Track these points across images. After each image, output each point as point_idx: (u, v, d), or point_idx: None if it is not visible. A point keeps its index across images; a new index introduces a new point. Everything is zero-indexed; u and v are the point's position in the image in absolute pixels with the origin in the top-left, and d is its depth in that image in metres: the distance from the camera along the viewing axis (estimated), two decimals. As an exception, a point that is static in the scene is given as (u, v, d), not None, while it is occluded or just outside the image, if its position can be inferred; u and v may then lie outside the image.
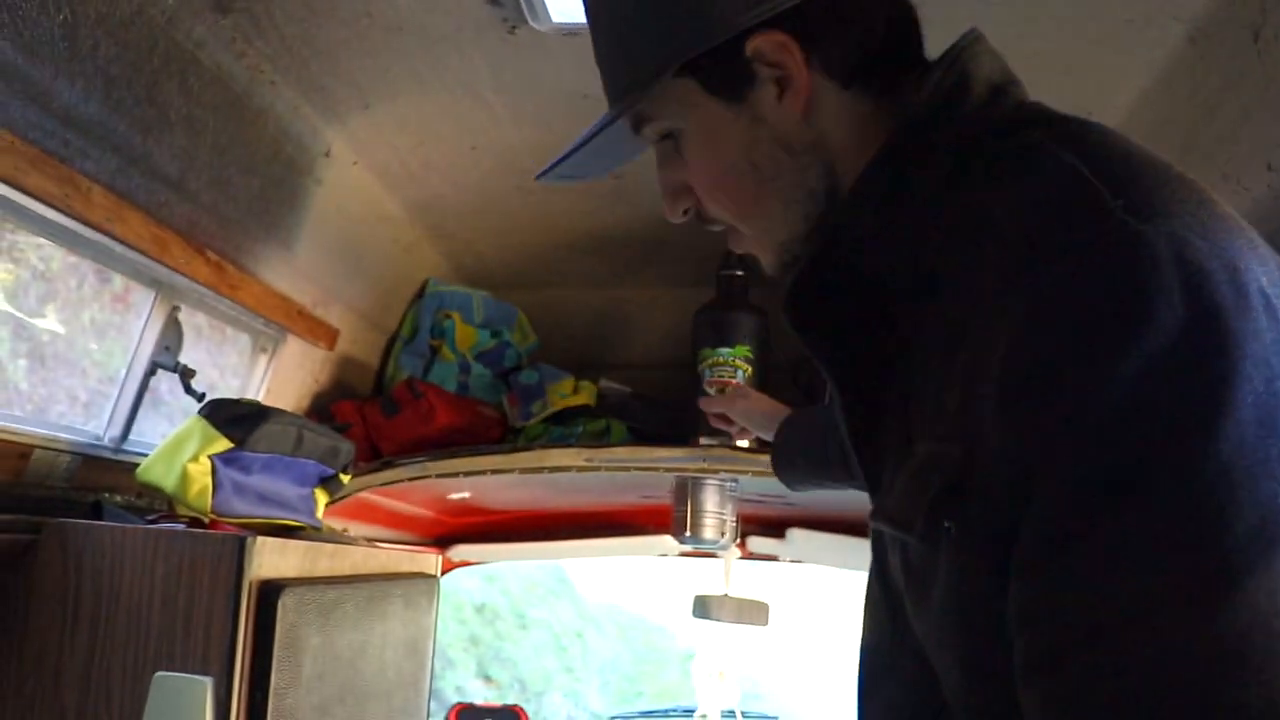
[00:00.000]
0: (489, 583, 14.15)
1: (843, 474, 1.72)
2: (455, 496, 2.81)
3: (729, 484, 2.54)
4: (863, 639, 1.17)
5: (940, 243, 0.93)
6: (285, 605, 1.60)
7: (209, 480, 1.73)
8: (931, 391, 0.90)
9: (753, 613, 3.09)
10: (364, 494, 2.43)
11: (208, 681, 1.51)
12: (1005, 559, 0.81)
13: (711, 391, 2.35)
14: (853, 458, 1.07)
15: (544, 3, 1.59)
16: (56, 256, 1.74)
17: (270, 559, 1.62)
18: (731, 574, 3.21)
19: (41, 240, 1.66)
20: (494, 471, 2.30)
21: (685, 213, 1.10)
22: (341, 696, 1.80)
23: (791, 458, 1.89)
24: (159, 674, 1.53)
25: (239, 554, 1.56)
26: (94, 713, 1.59)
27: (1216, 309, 0.73)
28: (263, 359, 2.25)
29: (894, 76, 1.00)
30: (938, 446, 0.88)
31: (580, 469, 2.28)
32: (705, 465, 2.31)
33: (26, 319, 1.80)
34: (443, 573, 3.01)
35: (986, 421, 0.81)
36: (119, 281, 1.87)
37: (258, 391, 2.26)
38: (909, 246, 0.96)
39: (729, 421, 2.06)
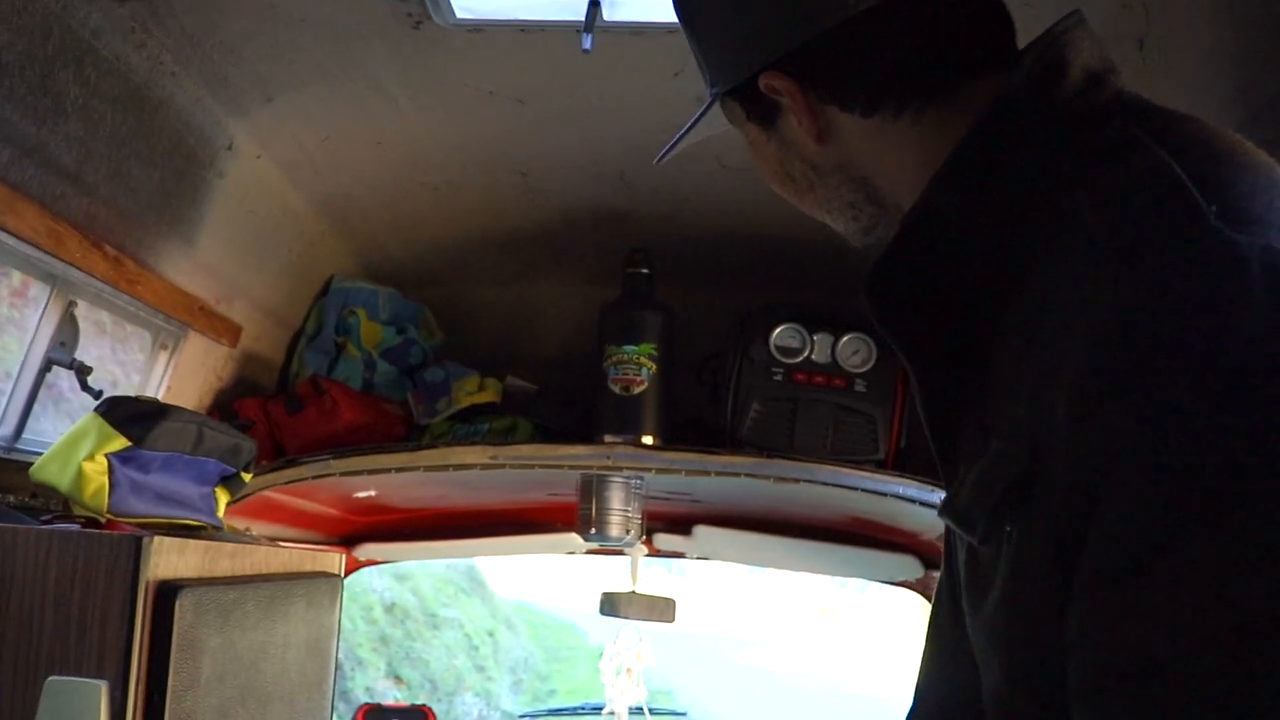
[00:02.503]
0: (399, 582, 14.04)
1: None
2: (361, 495, 2.79)
3: (634, 481, 2.55)
4: (927, 631, 1.18)
5: (1026, 235, 0.91)
6: (183, 606, 1.58)
7: (105, 479, 1.70)
8: (1007, 385, 0.89)
9: (660, 609, 3.11)
10: (268, 492, 2.40)
11: (102, 685, 1.49)
12: (1063, 567, 0.79)
13: (616, 389, 2.36)
14: (932, 450, 1.06)
15: (448, -1, 1.59)
16: (-52, 250, 1.70)
17: (168, 559, 1.59)
18: (639, 571, 3.22)
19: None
20: (399, 469, 2.29)
21: None
22: (242, 698, 1.78)
23: None
24: (51, 678, 1.49)
25: (135, 554, 1.53)
26: (-16, 718, 1.56)
27: None
28: (163, 356, 2.22)
29: (945, 88, 1.00)
30: (1004, 446, 0.86)
31: (485, 466, 2.28)
32: (610, 462, 2.32)
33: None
34: (350, 571, 2.99)
35: (1057, 425, 0.79)
36: (17, 276, 1.83)
37: (158, 389, 2.22)
38: (994, 238, 0.95)
39: None
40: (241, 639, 1.77)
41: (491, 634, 16.01)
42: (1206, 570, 0.70)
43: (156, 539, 1.55)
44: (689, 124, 1.21)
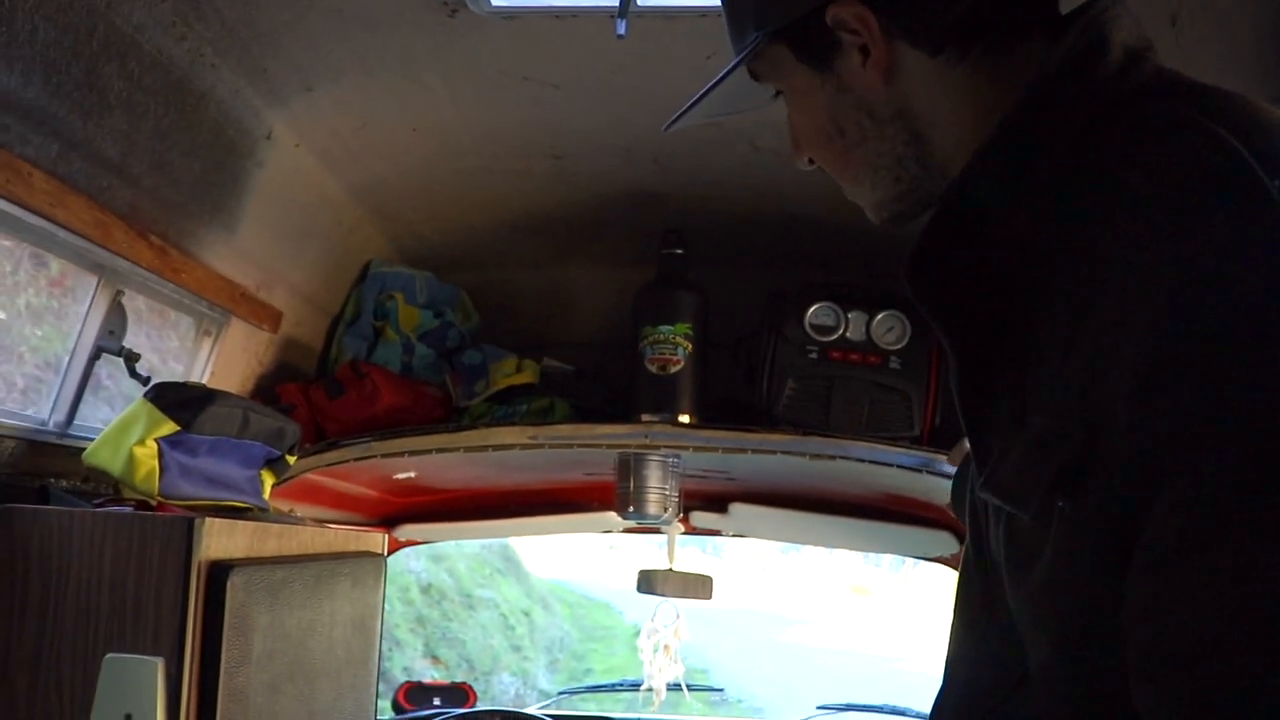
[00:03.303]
0: (436, 563, 14.15)
1: None
2: (401, 476, 2.82)
3: (671, 459, 2.58)
4: (955, 607, 1.19)
5: (1072, 213, 0.90)
6: (234, 585, 1.62)
7: (156, 463, 1.75)
8: (1053, 362, 0.88)
9: (696, 586, 3.13)
10: (310, 475, 2.44)
11: (158, 661, 1.53)
12: (1118, 542, 0.79)
13: (653, 369, 2.39)
14: (963, 425, 1.05)
15: (484, -14, 1.62)
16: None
17: (219, 540, 1.63)
18: (675, 548, 3.25)
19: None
20: (439, 450, 2.32)
21: (810, 161, 1.16)
22: (291, 674, 1.82)
23: None
24: (109, 655, 1.54)
25: (188, 535, 1.57)
26: (44, 695, 1.60)
27: None
28: (207, 342, 2.26)
29: (1003, 42, 1.00)
30: (1058, 421, 0.85)
31: (525, 446, 2.31)
32: (647, 441, 2.35)
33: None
34: (390, 552, 3.03)
35: (1118, 400, 0.78)
36: (55, 266, 1.87)
37: (202, 375, 2.27)
38: (1036, 214, 0.95)
39: None
40: (290, 617, 1.81)
41: (527, 614, 16.11)
42: (1275, 549, 0.71)
43: (207, 520, 1.60)
44: (716, 79, 1.18)
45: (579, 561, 20.52)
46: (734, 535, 3.46)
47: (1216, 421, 0.73)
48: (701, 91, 1.21)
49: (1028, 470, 0.88)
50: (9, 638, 1.62)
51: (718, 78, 1.17)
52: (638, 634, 3.57)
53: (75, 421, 1.97)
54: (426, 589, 13.69)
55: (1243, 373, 0.73)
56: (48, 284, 1.90)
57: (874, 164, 1.08)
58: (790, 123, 1.16)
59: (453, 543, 14.44)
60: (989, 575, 1.07)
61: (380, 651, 2.27)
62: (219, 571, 1.61)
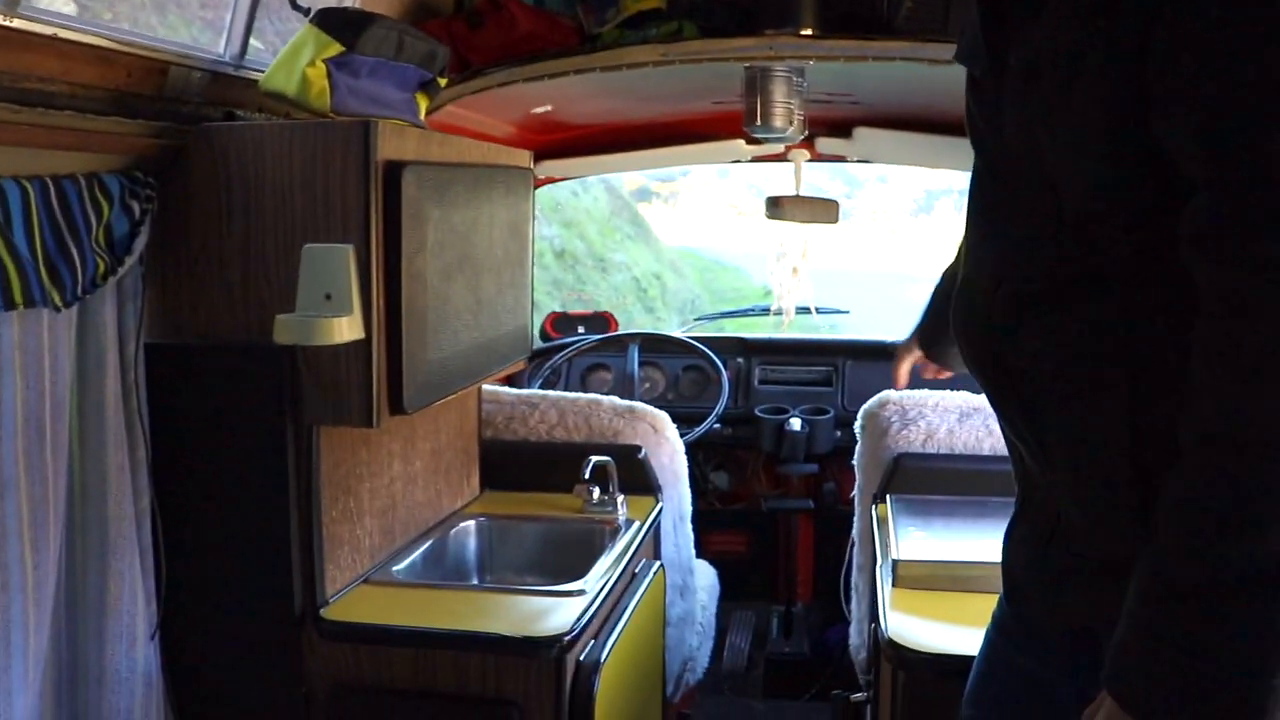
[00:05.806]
0: (567, 229, 14.50)
1: None
2: (538, 110, 2.96)
3: (795, 77, 2.65)
4: (968, 223, 1.43)
5: None
6: (408, 180, 1.82)
7: (326, 82, 1.91)
8: None
9: (823, 211, 3.27)
10: (454, 110, 2.59)
11: (349, 247, 1.77)
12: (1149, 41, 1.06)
13: None
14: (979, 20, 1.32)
15: None
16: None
17: (391, 141, 1.83)
18: (802, 178, 3.38)
19: None
20: (576, 72, 2.42)
21: None
22: (460, 264, 2.05)
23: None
24: (308, 245, 1.78)
25: (365, 137, 1.77)
26: (256, 283, 1.86)
27: None
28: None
29: None
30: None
31: (656, 63, 2.39)
32: (772, 52, 2.41)
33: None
34: (531, 187, 3.22)
35: None
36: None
37: (350, 13, 2.40)
38: None
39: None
40: (455, 214, 2.02)
41: (659, 277, 16.50)
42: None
43: (380, 123, 1.79)
44: None
45: (707, 229, 20.73)
46: (858, 161, 3.57)
47: None
48: None
49: (1061, 19, 1.15)
50: (220, 239, 1.87)
51: None
52: (766, 294, 3.72)
53: (246, 56, 2.14)
54: (560, 254, 14.10)
55: None
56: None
57: None
58: None
59: (584, 210, 14.73)
60: (999, 180, 1.33)
61: (532, 257, 2.49)
62: (394, 169, 1.81)
